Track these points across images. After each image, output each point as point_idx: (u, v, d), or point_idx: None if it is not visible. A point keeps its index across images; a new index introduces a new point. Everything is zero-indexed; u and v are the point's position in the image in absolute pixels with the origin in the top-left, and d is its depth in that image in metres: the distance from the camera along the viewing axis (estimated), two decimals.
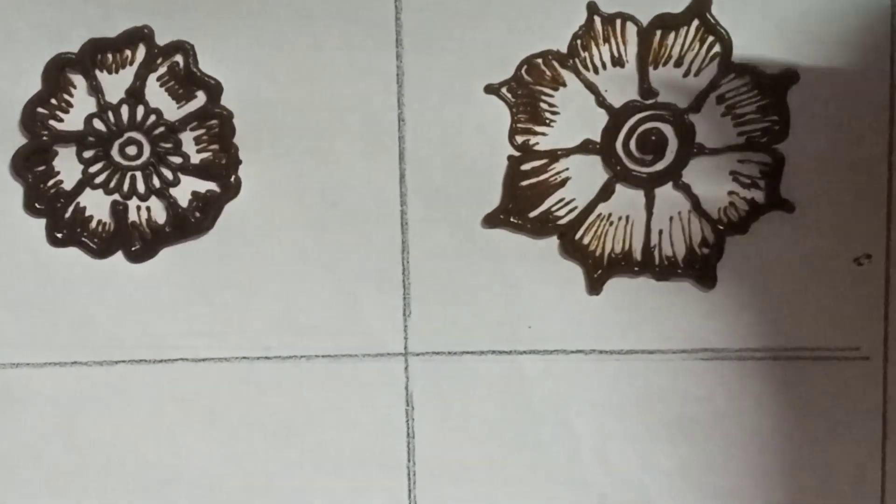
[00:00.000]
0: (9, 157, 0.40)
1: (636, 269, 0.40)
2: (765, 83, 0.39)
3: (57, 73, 0.39)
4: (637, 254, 0.40)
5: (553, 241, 0.40)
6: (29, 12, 0.39)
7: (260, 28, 0.39)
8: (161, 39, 0.39)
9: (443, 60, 0.39)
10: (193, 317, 0.40)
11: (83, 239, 0.40)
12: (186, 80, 0.39)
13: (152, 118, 0.40)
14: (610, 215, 0.40)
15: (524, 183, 0.40)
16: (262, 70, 0.39)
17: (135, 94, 0.39)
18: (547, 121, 0.39)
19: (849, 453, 0.40)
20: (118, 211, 0.40)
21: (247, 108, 0.40)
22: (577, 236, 0.40)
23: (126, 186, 0.40)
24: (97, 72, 0.39)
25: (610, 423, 0.40)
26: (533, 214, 0.40)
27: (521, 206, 0.40)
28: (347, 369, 0.40)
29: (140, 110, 0.40)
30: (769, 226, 0.39)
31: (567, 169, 0.39)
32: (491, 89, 0.39)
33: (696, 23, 0.38)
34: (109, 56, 0.39)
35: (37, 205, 0.40)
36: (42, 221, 0.40)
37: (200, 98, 0.40)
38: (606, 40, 0.39)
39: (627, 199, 0.39)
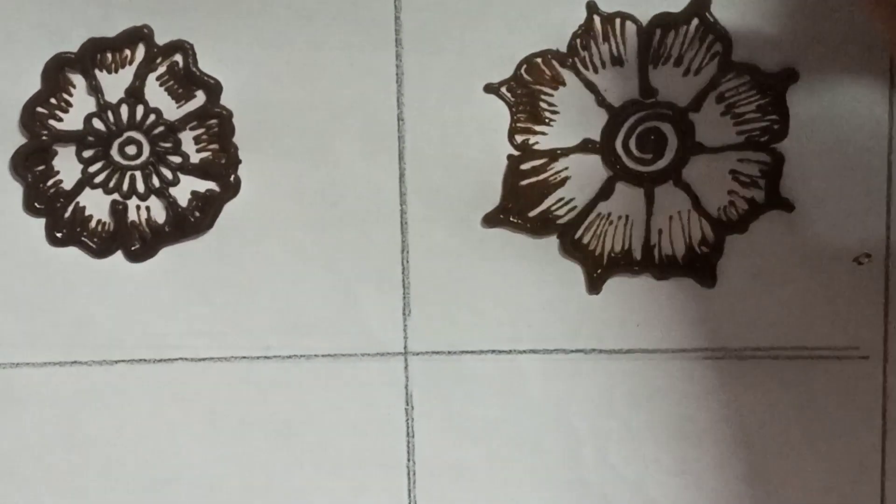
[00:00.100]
0: (8, 156, 0.40)
1: (636, 268, 0.40)
2: (764, 82, 0.39)
3: (56, 73, 0.39)
4: (637, 253, 0.40)
5: (553, 241, 0.40)
6: (28, 12, 0.39)
7: (260, 28, 0.39)
8: (160, 39, 0.39)
9: (442, 60, 0.39)
10: (193, 316, 0.40)
11: (83, 238, 0.40)
12: (186, 80, 0.39)
13: (152, 118, 0.40)
14: (609, 214, 0.40)
15: (524, 182, 0.40)
16: (262, 70, 0.39)
17: (134, 94, 0.40)
18: (546, 120, 0.39)
19: (849, 452, 0.40)
20: (118, 210, 0.40)
21: (246, 108, 0.40)
22: (577, 235, 0.40)
23: (125, 186, 0.40)
24: (97, 71, 0.39)
25: (610, 422, 0.40)
26: (532, 214, 0.40)
27: (520, 205, 0.40)
28: (347, 369, 0.40)
29: (139, 110, 0.40)
30: (769, 225, 0.39)
31: (567, 168, 0.39)
32: (490, 89, 0.39)
33: (695, 22, 0.38)
34: (109, 56, 0.39)
35: (36, 204, 0.40)
36: (42, 221, 0.40)
37: (200, 98, 0.40)
38: (606, 39, 0.39)
39: (627, 198, 0.39)
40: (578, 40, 0.39)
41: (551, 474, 0.41)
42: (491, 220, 0.40)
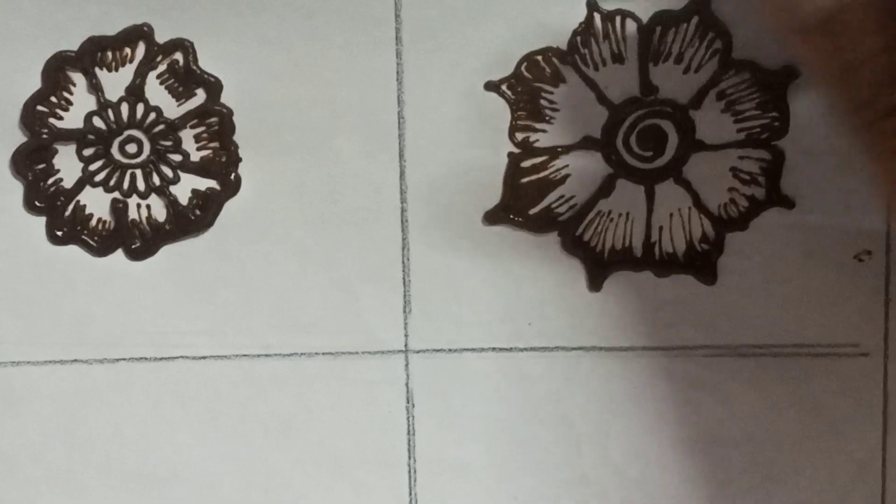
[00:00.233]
0: (9, 155, 0.40)
1: (636, 265, 0.40)
2: (765, 80, 0.39)
3: (57, 71, 0.39)
4: (637, 250, 0.40)
5: (553, 238, 0.40)
6: (28, 10, 0.39)
7: (260, 26, 0.39)
8: (161, 37, 0.39)
9: (443, 58, 0.39)
10: (193, 314, 0.40)
11: (83, 237, 0.40)
12: (186, 78, 0.39)
13: (152, 116, 0.40)
14: (610, 212, 0.40)
15: (524, 180, 0.40)
16: (262, 68, 0.39)
17: (135, 92, 0.39)
18: (547, 118, 0.39)
19: (849, 450, 0.40)
20: (118, 209, 0.40)
21: (246, 106, 0.40)
22: (578, 233, 0.40)
23: (126, 184, 0.40)
24: (97, 70, 0.39)
25: (610, 419, 0.40)
26: (533, 211, 0.40)
27: (521, 202, 0.40)
28: (348, 367, 0.40)
29: (140, 108, 0.40)
30: (769, 222, 0.39)
31: (567, 166, 0.39)
32: (491, 86, 0.39)
33: (696, 19, 0.38)
34: (109, 54, 0.39)
35: (37, 203, 0.40)
36: (42, 219, 0.40)
37: (200, 96, 0.40)
38: (606, 37, 0.39)
39: (628, 195, 0.39)
40: (579, 38, 0.39)
41: (552, 471, 0.41)
42: (492, 217, 0.40)
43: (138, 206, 0.40)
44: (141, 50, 0.39)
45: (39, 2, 0.39)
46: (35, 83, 0.39)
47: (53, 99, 0.39)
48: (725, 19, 0.38)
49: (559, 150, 0.39)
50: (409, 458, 0.41)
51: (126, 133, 0.40)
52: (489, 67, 0.39)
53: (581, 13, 0.39)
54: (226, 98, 0.40)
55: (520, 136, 0.39)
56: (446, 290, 0.40)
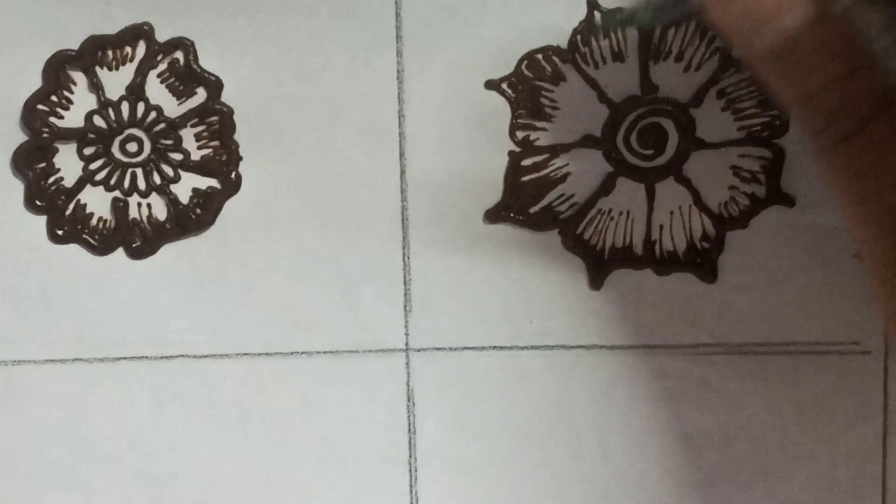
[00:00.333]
0: (9, 154, 0.40)
1: (637, 263, 0.40)
2: None
3: (57, 70, 0.39)
4: (638, 248, 0.40)
5: (554, 236, 0.40)
6: (29, 9, 0.39)
7: (260, 24, 0.39)
8: (161, 36, 0.39)
9: (443, 56, 0.39)
10: (194, 313, 0.40)
11: (84, 236, 0.40)
12: (187, 77, 0.39)
13: (153, 115, 0.40)
14: (611, 210, 0.40)
15: (525, 178, 0.40)
16: (263, 66, 0.39)
17: (135, 91, 0.40)
18: (547, 116, 0.39)
19: (849, 448, 0.40)
20: (119, 208, 0.40)
21: (247, 105, 0.40)
22: (578, 231, 0.40)
23: (126, 183, 0.40)
24: (97, 68, 0.39)
25: (611, 417, 0.40)
26: (534, 209, 0.40)
27: (522, 201, 0.40)
28: (349, 365, 0.40)
29: (140, 107, 0.40)
30: (769, 220, 0.39)
31: (568, 164, 0.40)
32: (491, 85, 0.39)
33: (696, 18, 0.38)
34: (110, 53, 0.39)
35: (37, 202, 0.40)
36: (43, 218, 0.40)
37: (201, 94, 0.40)
38: (607, 35, 0.39)
39: (628, 193, 0.39)
40: (579, 36, 0.39)
41: (553, 470, 0.41)
42: (492, 216, 0.40)
43: (139, 204, 0.40)
44: (141, 49, 0.39)
45: (40, 1, 0.39)
46: (36, 82, 0.39)
47: (54, 98, 0.39)
48: None
49: (560, 148, 0.39)
50: (410, 456, 0.41)
51: (127, 132, 0.40)
52: (489, 66, 0.39)
53: (581, 11, 0.39)
54: (226, 97, 0.40)
55: (520, 134, 0.39)
56: (447, 288, 0.40)
